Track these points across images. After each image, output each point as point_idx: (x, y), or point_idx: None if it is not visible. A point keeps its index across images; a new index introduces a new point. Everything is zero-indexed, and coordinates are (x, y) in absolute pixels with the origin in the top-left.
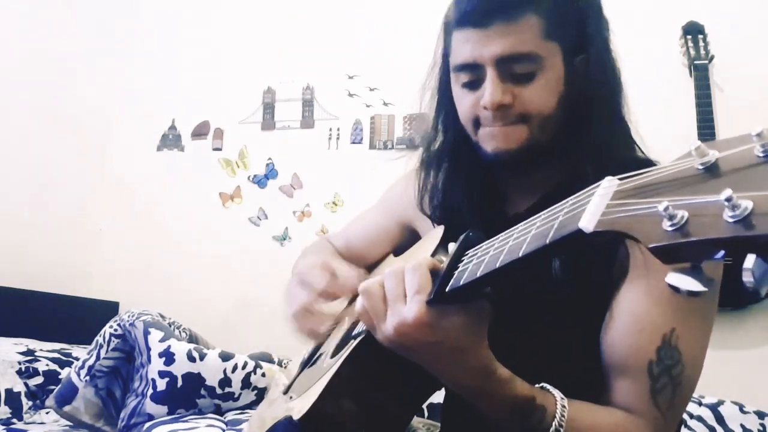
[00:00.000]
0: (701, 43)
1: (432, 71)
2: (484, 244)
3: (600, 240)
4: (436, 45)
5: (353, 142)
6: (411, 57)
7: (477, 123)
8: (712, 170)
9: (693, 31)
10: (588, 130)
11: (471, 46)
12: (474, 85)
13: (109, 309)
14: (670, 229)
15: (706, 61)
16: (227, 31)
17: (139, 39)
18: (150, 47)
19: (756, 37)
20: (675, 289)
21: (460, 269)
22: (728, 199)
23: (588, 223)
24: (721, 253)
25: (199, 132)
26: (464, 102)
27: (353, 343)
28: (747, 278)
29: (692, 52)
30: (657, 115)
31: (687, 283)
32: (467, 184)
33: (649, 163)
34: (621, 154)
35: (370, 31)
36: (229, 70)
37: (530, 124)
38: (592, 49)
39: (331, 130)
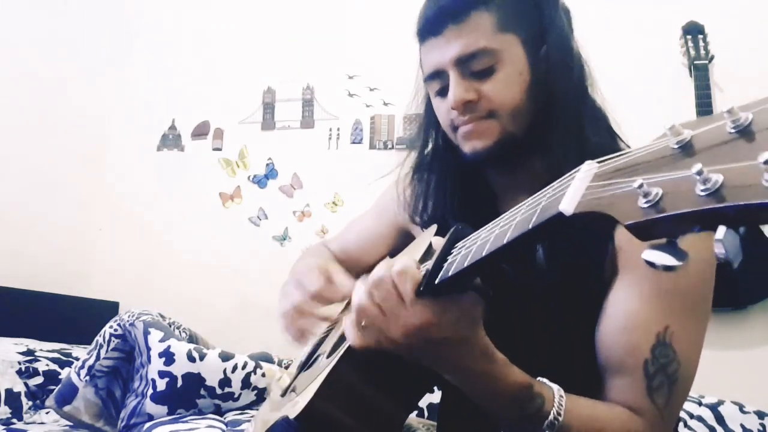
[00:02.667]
0: (701, 43)
1: (419, 84)
2: (472, 235)
3: (582, 222)
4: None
5: (353, 142)
6: (411, 57)
7: (454, 127)
8: (686, 148)
9: (693, 31)
10: (558, 119)
11: (432, 56)
12: (444, 92)
13: (109, 309)
14: (645, 205)
15: (706, 61)
16: (227, 31)
17: (138, 39)
18: (150, 47)
19: (756, 37)
20: (651, 265)
21: (449, 261)
22: (699, 173)
23: (568, 205)
24: (697, 227)
25: (199, 132)
26: (440, 110)
27: (348, 343)
28: (718, 250)
29: (692, 52)
30: (657, 115)
31: (662, 258)
32: (457, 188)
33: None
34: (597, 141)
35: (370, 31)
36: (229, 70)
37: (500, 118)
38: (550, 37)
39: (331, 130)
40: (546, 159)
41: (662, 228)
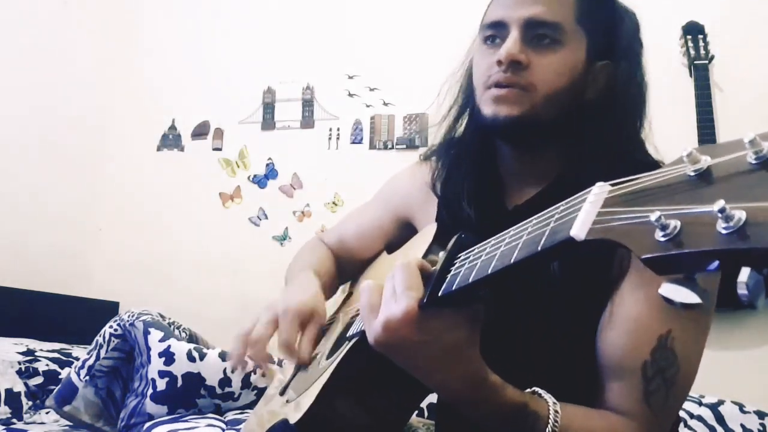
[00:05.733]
0: (701, 43)
1: (461, 66)
2: (476, 246)
3: (592, 247)
4: (472, 43)
5: (353, 142)
6: (411, 57)
7: (488, 85)
8: (704, 177)
9: (693, 31)
10: (598, 135)
11: (503, 8)
12: (495, 41)
13: (109, 309)
14: (662, 239)
15: (706, 61)
16: (227, 31)
17: (139, 39)
18: (150, 47)
19: (756, 37)
20: (669, 301)
21: (452, 273)
22: (721, 210)
23: (579, 231)
24: (715, 264)
25: (199, 132)
26: (481, 62)
27: (348, 345)
28: (741, 291)
29: (692, 52)
30: (657, 115)
31: (681, 294)
32: (472, 172)
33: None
34: (626, 163)
35: (370, 31)
36: (229, 70)
37: (535, 95)
38: (623, 61)
39: (331, 130)
40: (568, 163)
41: (680, 264)
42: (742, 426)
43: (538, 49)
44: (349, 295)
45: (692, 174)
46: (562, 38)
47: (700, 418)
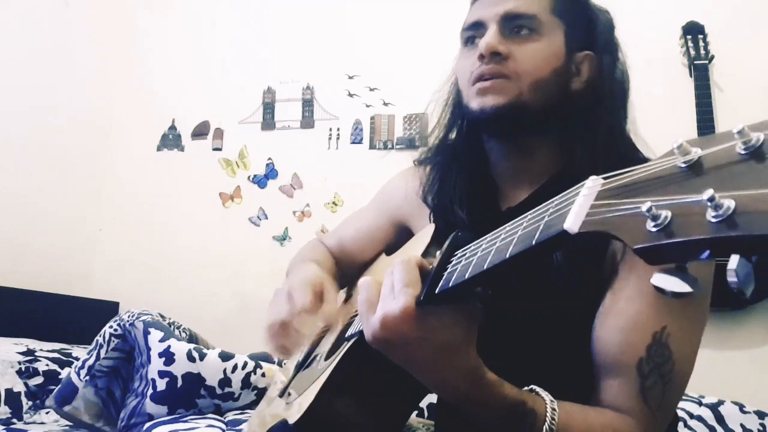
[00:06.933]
0: (701, 43)
1: (448, 80)
2: (472, 244)
3: (586, 240)
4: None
5: (353, 142)
6: (411, 57)
7: (473, 80)
8: (694, 168)
9: (693, 31)
10: (589, 131)
11: (480, 9)
12: (474, 41)
13: (109, 309)
14: (653, 229)
15: (706, 61)
16: (227, 32)
17: (139, 39)
18: (150, 47)
19: (756, 37)
20: (660, 291)
21: (449, 270)
22: (710, 199)
23: (573, 224)
24: (706, 253)
25: (199, 132)
26: (464, 62)
27: (347, 346)
28: (731, 278)
29: (692, 52)
30: (657, 115)
31: (672, 284)
32: (463, 177)
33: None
34: (618, 159)
35: (370, 31)
36: (229, 70)
37: (519, 83)
38: (604, 54)
39: (331, 130)
40: (561, 157)
41: (671, 253)
42: (742, 426)
43: (516, 40)
44: (348, 297)
45: (683, 165)
46: (539, 28)
47: (700, 418)
